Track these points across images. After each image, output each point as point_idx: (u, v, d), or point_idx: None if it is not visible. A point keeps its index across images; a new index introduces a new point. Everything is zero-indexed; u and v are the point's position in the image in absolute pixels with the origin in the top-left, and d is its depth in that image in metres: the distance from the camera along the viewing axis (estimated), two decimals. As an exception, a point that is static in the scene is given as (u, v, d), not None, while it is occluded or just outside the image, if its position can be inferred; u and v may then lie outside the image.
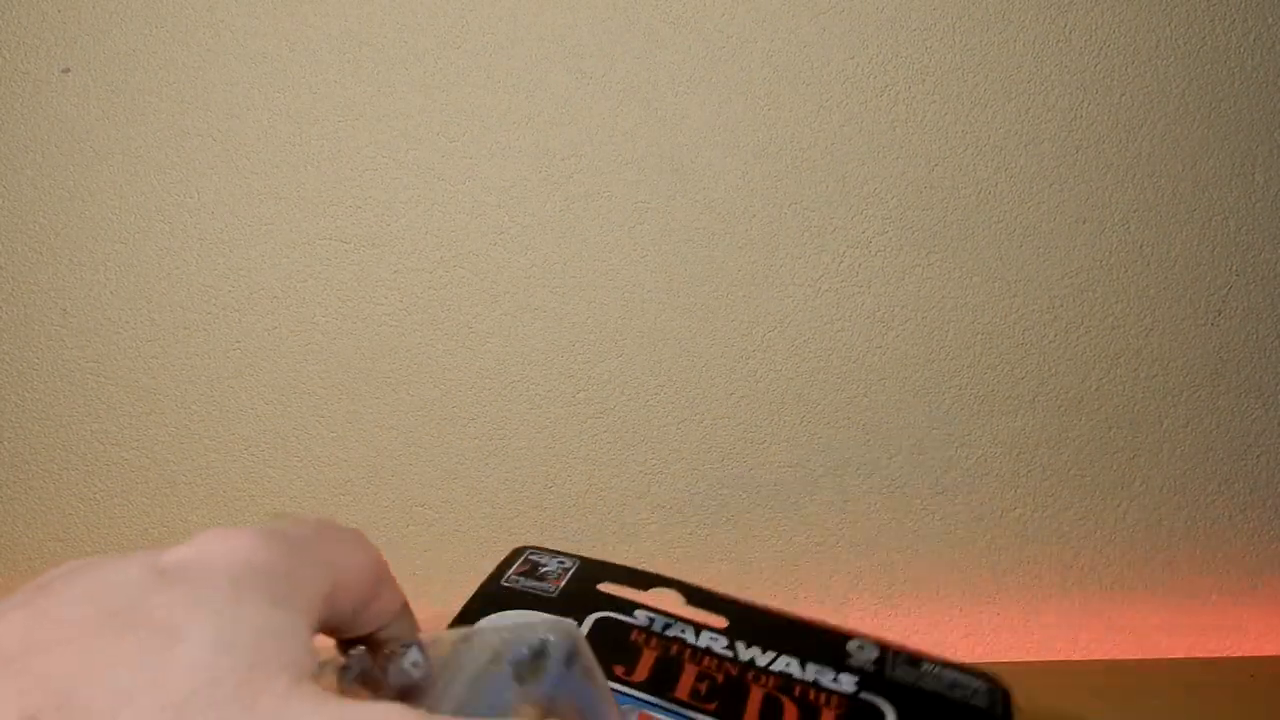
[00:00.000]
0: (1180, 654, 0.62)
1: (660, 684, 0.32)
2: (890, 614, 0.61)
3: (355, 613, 0.21)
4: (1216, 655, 0.62)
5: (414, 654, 0.22)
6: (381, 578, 0.22)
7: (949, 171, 0.55)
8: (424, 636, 0.24)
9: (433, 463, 0.58)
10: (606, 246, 0.55)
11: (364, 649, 0.23)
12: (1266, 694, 0.55)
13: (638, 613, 0.36)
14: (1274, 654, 0.62)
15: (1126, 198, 0.55)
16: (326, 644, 0.24)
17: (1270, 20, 0.53)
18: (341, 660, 0.23)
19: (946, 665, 0.34)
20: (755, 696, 0.32)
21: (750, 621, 0.36)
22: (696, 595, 0.38)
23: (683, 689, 0.32)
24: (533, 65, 0.53)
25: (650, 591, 0.38)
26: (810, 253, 0.56)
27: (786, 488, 0.59)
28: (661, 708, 0.31)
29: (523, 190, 0.54)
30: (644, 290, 0.56)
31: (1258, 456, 0.59)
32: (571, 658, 0.22)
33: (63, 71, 0.52)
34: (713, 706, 0.31)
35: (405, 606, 0.25)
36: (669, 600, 0.38)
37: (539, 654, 0.22)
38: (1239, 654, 0.62)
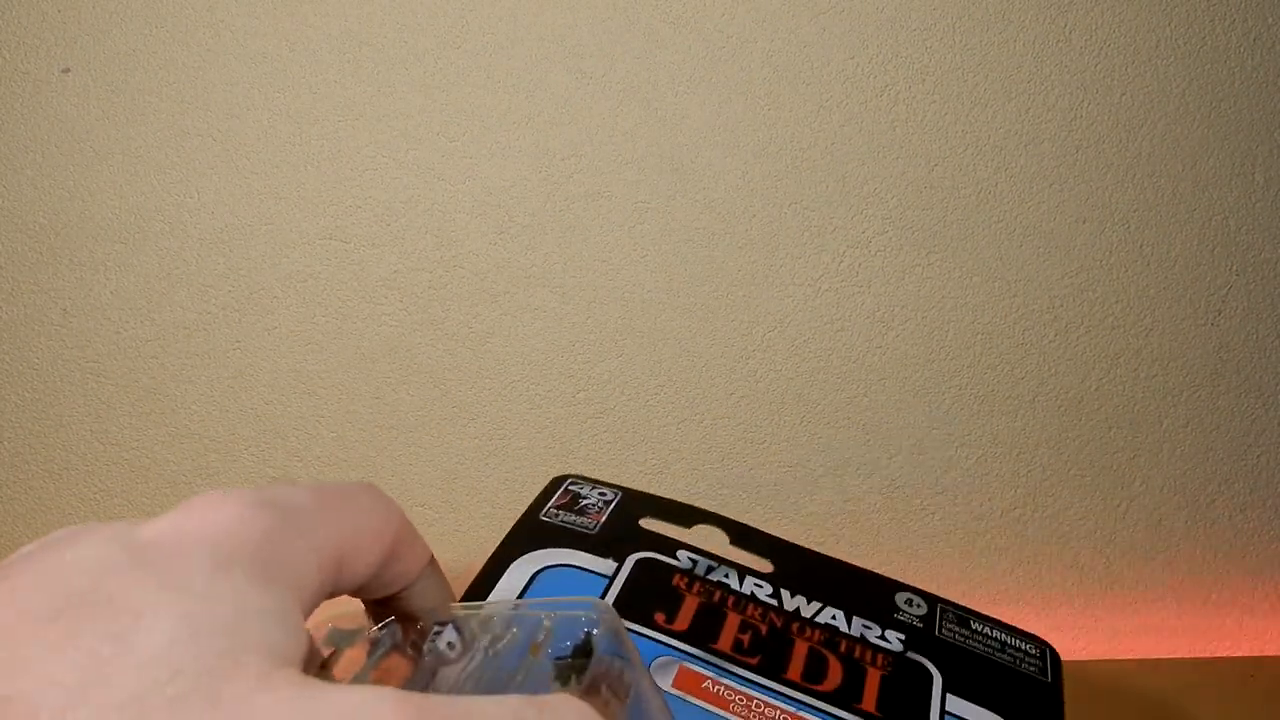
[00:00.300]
0: (1180, 654, 0.62)
1: (702, 634, 0.31)
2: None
3: (374, 575, 0.20)
4: (1216, 655, 0.62)
5: (450, 633, 0.21)
6: (401, 536, 0.21)
7: (949, 171, 0.55)
8: (459, 611, 0.23)
9: (433, 463, 0.58)
10: (606, 246, 0.55)
11: (395, 621, 0.22)
12: (1266, 694, 0.55)
13: (680, 554, 0.34)
14: (1274, 654, 0.62)
15: (1126, 198, 0.55)
16: (356, 607, 0.23)
17: (1270, 20, 0.53)
18: (372, 631, 0.21)
19: (997, 625, 0.33)
20: (800, 650, 0.30)
21: (796, 566, 0.34)
22: (741, 534, 0.36)
23: (725, 640, 0.30)
24: (533, 65, 0.53)
25: (694, 529, 0.36)
26: (810, 253, 0.56)
27: (786, 488, 0.59)
28: (702, 660, 0.29)
29: (523, 190, 0.54)
30: (644, 290, 0.56)
31: (1258, 456, 0.59)
32: (610, 643, 0.21)
33: (63, 71, 0.52)
34: (755, 660, 0.30)
35: (433, 564, 0.23)
36: (713, 539, 0.36)
37: (583, 650, 0.21)
38: (1239, 654, 0.62)
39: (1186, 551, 0.61)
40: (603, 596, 0.32)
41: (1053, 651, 0.33)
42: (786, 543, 0.36)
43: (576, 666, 0.20)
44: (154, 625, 0.14)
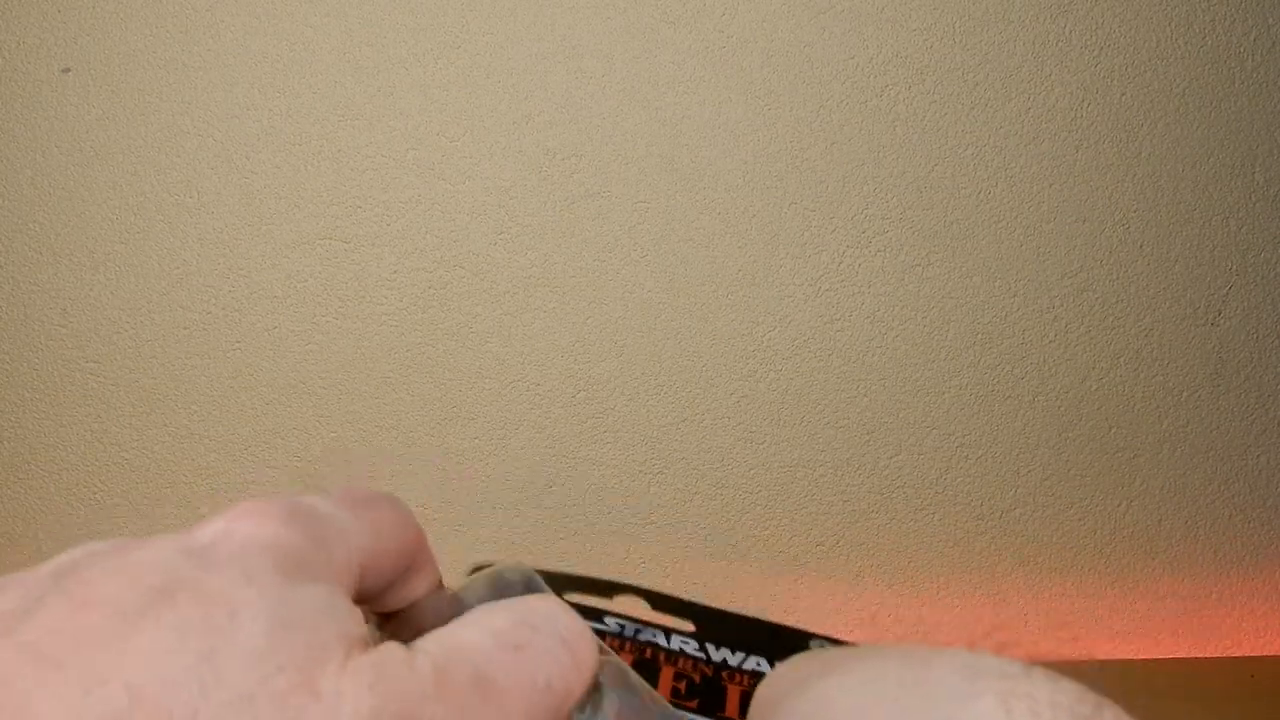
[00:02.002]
0: (1180, 654, 0.62)
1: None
2: (890, 614, 0.61)
3: (384, 590, 0.20)
4: (1216, 655, 0.62)
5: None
6: (417, 558, 0.21)
7: (949, 171, 0.55)
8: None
9: (433, 463, 0.58)
10: (606, 246, 0.55)
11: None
12: (1266, 694, 0.55)
13: (608, 619, 0.36)
14: (1274, 654, 0.62)
15: (1126, 198, 0.55)
16: None
17: (1270, 20, 0.53)
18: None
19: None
20: (733, 694, 0.32)
21: (716, 624, 0.36)
22: (660, 600, 0.38)
23: (663, 689, 0.32)
24: (533, 65, 0.53)
25: (615, 600, 0.38)
26: (810, 253, 0.56)
27: (786, 488, 0.59)
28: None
29: (523, 190, 0.54)
30: (644, 290, 0.56)
31: (1258, 456, 0.59)
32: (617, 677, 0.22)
33: (63, 71, 0.52)
34: (694, 704, 0.32)
35: (440, 587, 0.23)
36: (634, 607, 0.38)
37: (592, 688, 0.21)
38: (1239, 654, 0.62)
39: (1186, 551, 0.61)
40: None
41: None
42: (703, 605, 0.38)
43: (583, 702, 0.21)
44: (248, 618, 0.14)
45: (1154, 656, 0.62)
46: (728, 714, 0.31)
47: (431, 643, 0.16)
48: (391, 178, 0.54)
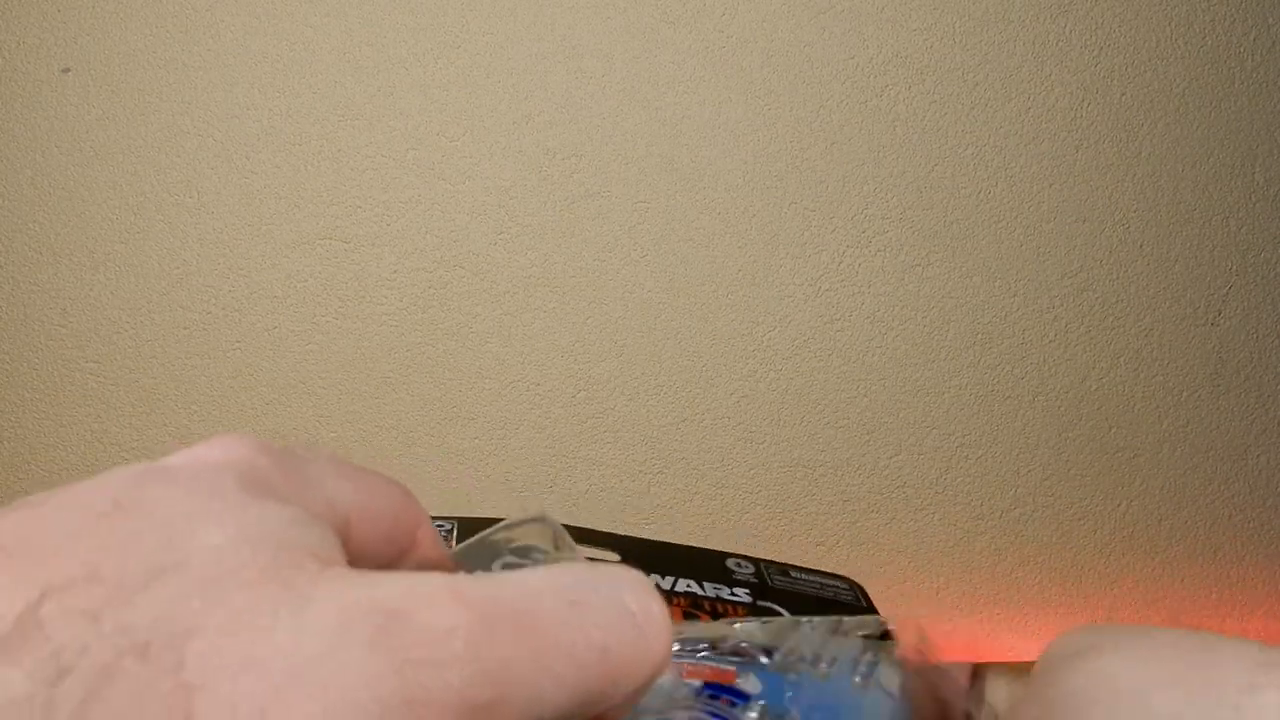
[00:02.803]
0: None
1: None
2: (890, 614, 0.61)
3: (379, 554, 0.20)
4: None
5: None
6: (418, 537, 0.20)
7: (949, 171, 0.55)
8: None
9: (433, 462, 0.58)
10: (606, 246, 0.55)
11: None
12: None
13: (535, 556, 0.36)
14: (1274, 654, 0.62)
15: (1126, 198, 0.55)
16: None
17: (1270, 20, 0.53)
18: None
19: (808, 571, 0.37)
20: (674, 614, 0.33)
21: (640, 551, 0.37)
22: (582, 535, 0.38)
23: None
24: (533, 65, 0.53)
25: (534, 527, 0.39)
26: (810, 253, 0.56)
27: (786, 488, 0.59)
28: None
29: (523, 190, 0.54)
30: (644, 290, 0.56)
31: (1258, 456, 0.59)
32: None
33: (63, 71, 0.52)
34: None
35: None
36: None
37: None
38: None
39: (1187, 551, 0.61)
40: None
41: (859, 585, 0.37)
42: (623, 535, 0.38)
43: None
44: (212, 525, 0.14)
45: (1154, 656, 0.62)
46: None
47: (486, 582, 0.15)
48: (391, 178, 0.54)
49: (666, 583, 0.36)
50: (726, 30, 0.52)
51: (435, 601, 0.14)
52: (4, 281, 0.55)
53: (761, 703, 0.24)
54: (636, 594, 0.16)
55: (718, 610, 0.34)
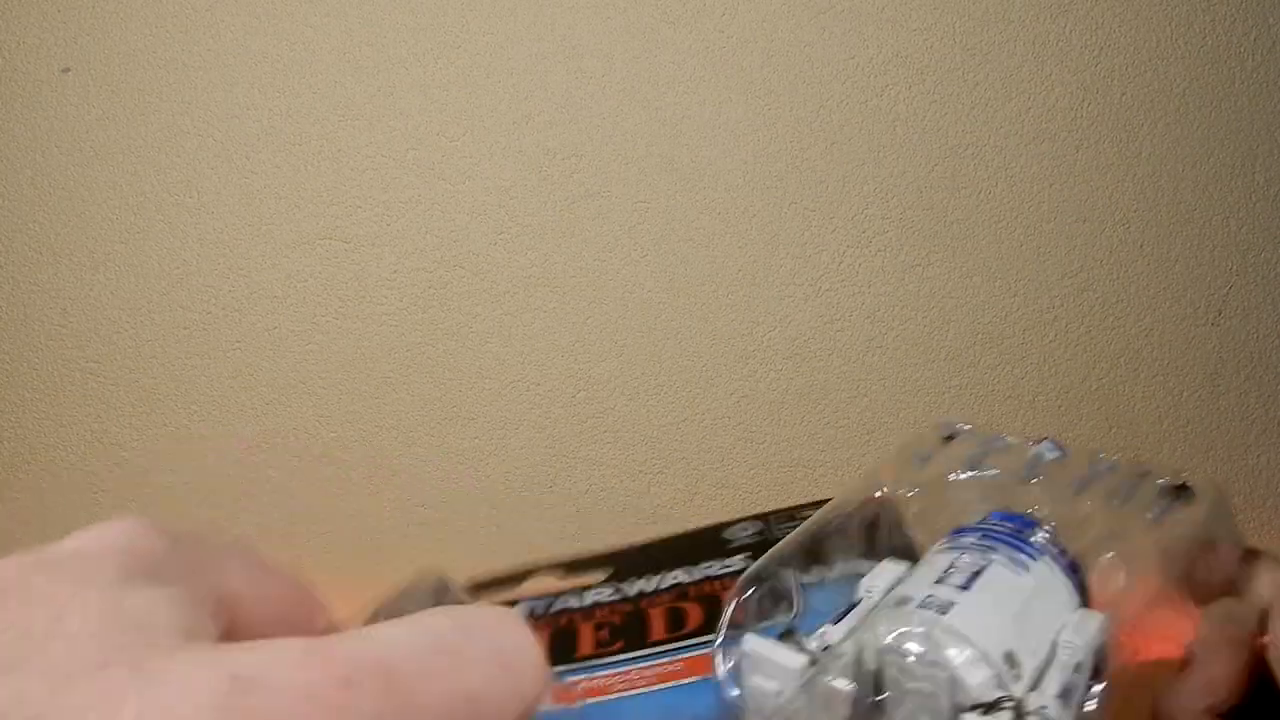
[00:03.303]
0: (1181, 654, 0.62)
1: (560, 654, 0.31)
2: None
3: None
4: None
5: None
6: (315, 617, 0.20)
7: (949, 171, 0.55)
8: None
9: (433, 463, 0.58)
10: (606, 246, 0.55)
11: None
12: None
13: (519, 606, 0.35)
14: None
15: (1126, 198, 0.55)
16: None
17: (1270, 20, 0.53)
18: None
19: (822, 503, 0.34)
20: (656, 616, 0.32)
21: (629, 560, 0.35)
22: (572, 565, 0.37)
23: (584, 647, 0.31)
24: (533, 65, 0.53)
25: (525, 585, 0.37)
26: (810, 253, 0.56)
27: (787, 488, 0.59)
28: (569, 671, 0.30)
29: (523, 190, 0.54)
30: (644, 290, 0.56)
31: (1258, 456, 0.59)
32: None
33: (63, 71, 0.52)
34: (619, 645, 0.31)
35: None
36: (547, 585, 0.37)
37: None
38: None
39: (1186, 551, 0.61)
40: None
41: (891, 501, 0.34)
42: (619, 549, 0.37)
43: None
44: (77, 613, 0.14)
45: (1155, 657, 0.62)
46: (653, 638, 0.30)
47: (348, 640, 0.15)
48: (391, 178, 0.54)
49: (652, 583, 0.33)
50: (726, 30, 0.52)
51: (290, 664, 0.14)
52: (4, 281, 0.55)
53: (1053, 523, 0.25)
54: (507, 634, 0.17)
55: (705, 592, 0.32)
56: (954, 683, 0.26)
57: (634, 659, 0.30)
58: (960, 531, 0.34)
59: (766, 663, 0.28)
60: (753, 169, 0.54)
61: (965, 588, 0.28)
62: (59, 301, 0.55)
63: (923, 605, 0.28)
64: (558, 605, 0.34)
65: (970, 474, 0.30)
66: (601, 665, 0.30)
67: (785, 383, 0.57)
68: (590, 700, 0.28)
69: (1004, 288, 0.56)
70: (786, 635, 0.27)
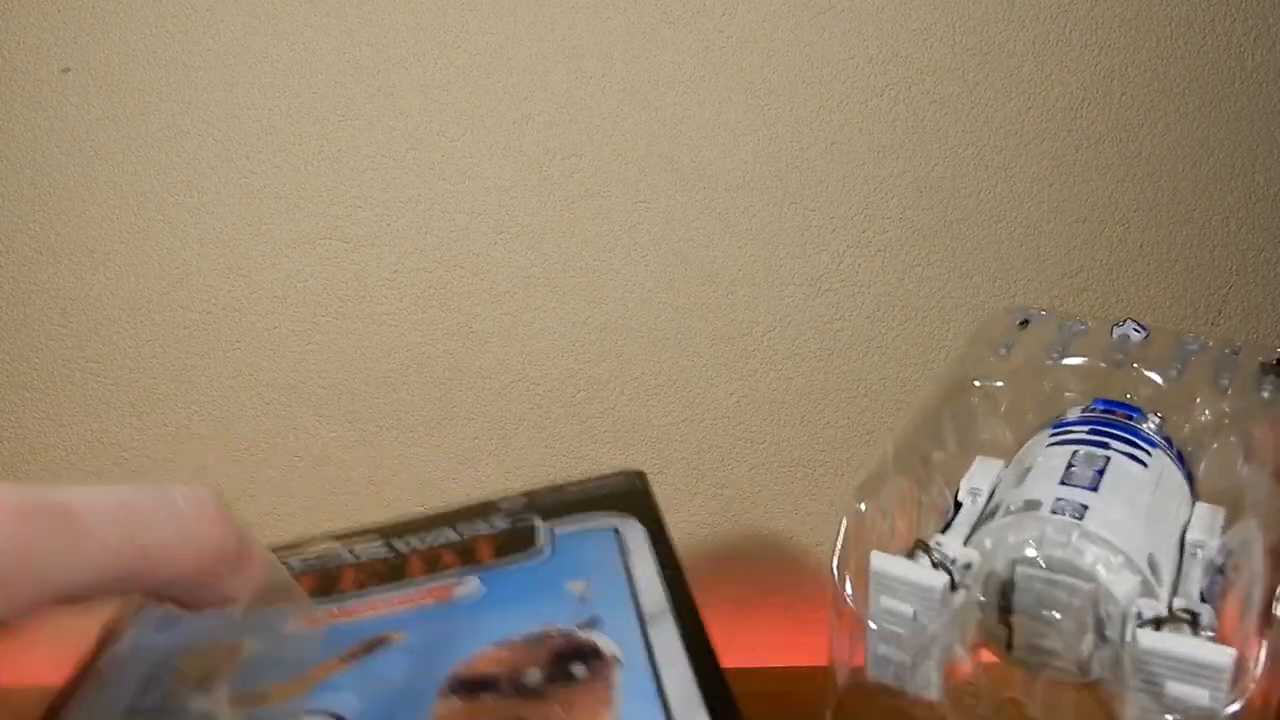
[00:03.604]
0: None
1: (322, 591, 0.32)
2: None
3: (185, 592, 0.21)
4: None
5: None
6: (219, 565, 0.22)
7: (949, 171, 0.55)
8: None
9: (433, 463, 0.58)
10: (606, 246, 0.55)
11: None
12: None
13: (291, 561, 0.36)
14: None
15: (1126, 198, 0.55)
16: None
17: (1270, 20, 0.53)
18: None
19: (588, 480, 0.36)
20: (416, 560, 0.33)
21: (402, 527, 0.36)
22: (352, 534, 0.37)
23: (345, 585, 0.32)
24: (533, 65, 0.53)
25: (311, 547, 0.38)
26: (810, 253, 0.56)
27: (787, 488, 0.59)
28: (324, 602, 0.31)
29: (523, 190, 0.54)
30: (644, 290, 0.56)
31: (1258, 456, 0.59)
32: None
33: (63, 71, 0.52)
34: (374, 581, 0.32)
35: (276, 589, 0.24)
36: (327, 546, 0.37)
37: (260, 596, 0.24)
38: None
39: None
40: None
41: (641, 473, 0.36)
42: (399, 520, 0.37)
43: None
44: None
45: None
46: (409, 575, 0.32)
47: (42, 487, 0.18)
48: (391, 178, 0.54)
49: (424, 541, 0.34)
50: (726, 30, 0.52)
51: None
52: (4, 281, 0.55)
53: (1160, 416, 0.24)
54: (188, 501, 0.20)
55: (466, 545, 0.33)
56: (1100, 592, 0.24)
57: (385, 590, 0.31)
58: (1064, 424, 0.32)
59: (900, 583, 0.28)
60: (753, 169, 0.54)
61: (1093, 488, 0.27)
62: (59, 301, 0.55)
63: (1055, 510, 0.26)
64: (332, 561, 0.35)
65: (1061, 360, 0.29)
66: (355, 597, 0.31)
67: (785, 383, 0.57)
68: (336, 622, 0.29)
69: (1004, 288, 0.56)
70: (915, 550, 0.27)
